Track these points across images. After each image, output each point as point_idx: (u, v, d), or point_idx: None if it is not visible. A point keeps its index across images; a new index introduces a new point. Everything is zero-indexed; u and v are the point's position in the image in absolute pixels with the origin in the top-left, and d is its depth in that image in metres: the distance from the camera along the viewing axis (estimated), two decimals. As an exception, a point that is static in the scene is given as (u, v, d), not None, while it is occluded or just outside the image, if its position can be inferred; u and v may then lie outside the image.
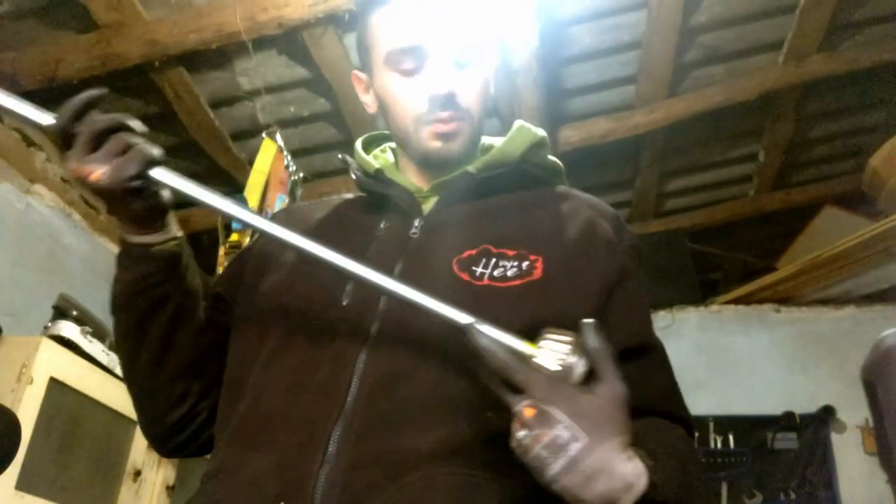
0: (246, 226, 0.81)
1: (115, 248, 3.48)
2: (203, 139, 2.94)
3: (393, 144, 1.02)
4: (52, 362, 2.27)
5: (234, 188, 3.09)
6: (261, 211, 2.42)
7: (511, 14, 2.49)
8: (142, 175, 0.74)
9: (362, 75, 0.97)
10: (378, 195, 0.92)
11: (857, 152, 3.84)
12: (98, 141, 0.73)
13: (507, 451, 0.67)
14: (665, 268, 3.73)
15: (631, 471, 0.63)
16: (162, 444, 0.93)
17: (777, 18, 2.96)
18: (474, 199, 0.89)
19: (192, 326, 0.87)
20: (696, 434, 3.25)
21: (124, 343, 0.87)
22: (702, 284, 3.81)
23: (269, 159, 2.54)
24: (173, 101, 2.73)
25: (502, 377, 0.63)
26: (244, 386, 0.82)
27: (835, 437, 3.18)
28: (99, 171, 0.73)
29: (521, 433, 0.62)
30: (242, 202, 2.40)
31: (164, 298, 0.83)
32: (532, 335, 0.66)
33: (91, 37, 2.45)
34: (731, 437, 3.25)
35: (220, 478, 0.75)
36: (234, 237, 2.39)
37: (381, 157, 1.00)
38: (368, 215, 0.92)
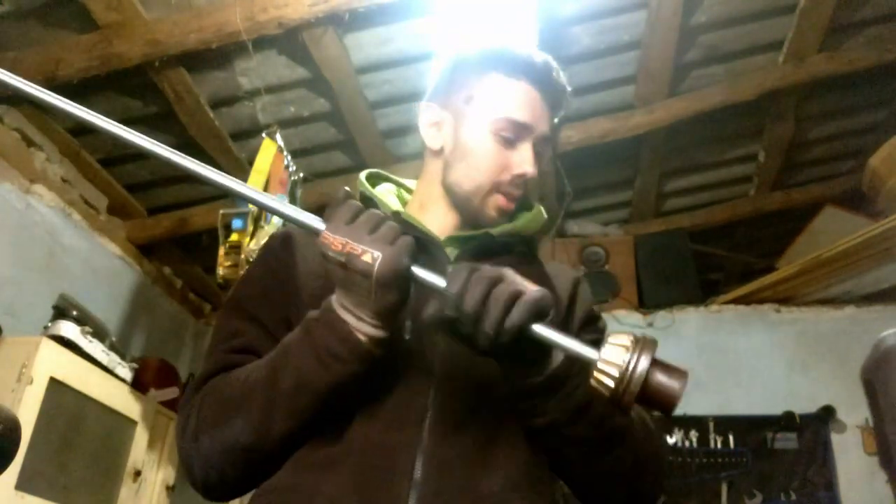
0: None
1: (115, 248, 3.46)
2: (203, 139, 2.94)
3: (392, 187, 1.07)
4: (52, 362, 2.27)
5: (234, 188, 3.08)
6: (260, 213, 2.41)
7: (511, 14, 2.49)
8: (410, 267, 0.74)
9: (440, 112, 1.01)
10: None
11: (857, 152, 3.84)
12: (372, 225, 0.75)
13: (551, 487, 0.86)
14: (665, 268, 3.73)
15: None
16: (233, 494, 0.88)
17: (777, 18, 2.96)
18: (486, 255, 0.96)
19: None
20: (696, 434, 3.28)
21: (285, 422, 0.80)
22: (702, 284, 3.81)
23: (269, 159, 2.54)
24: (173, 101, 2.73)
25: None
26: None
27: (835, 437, 3.17)
28: (372, 254, 0.73)
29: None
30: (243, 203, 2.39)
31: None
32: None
33: (91, 37, 2.45)
34: (731, 437, 3.25)
35: (288, 494, 0.78)
36: (233, 237, 2.38)
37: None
38: None
